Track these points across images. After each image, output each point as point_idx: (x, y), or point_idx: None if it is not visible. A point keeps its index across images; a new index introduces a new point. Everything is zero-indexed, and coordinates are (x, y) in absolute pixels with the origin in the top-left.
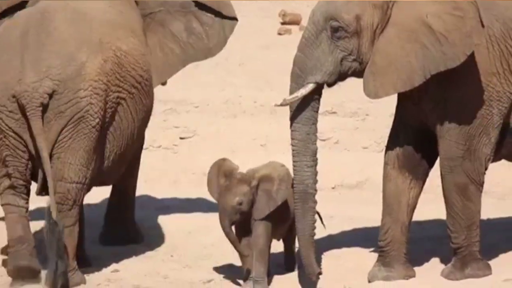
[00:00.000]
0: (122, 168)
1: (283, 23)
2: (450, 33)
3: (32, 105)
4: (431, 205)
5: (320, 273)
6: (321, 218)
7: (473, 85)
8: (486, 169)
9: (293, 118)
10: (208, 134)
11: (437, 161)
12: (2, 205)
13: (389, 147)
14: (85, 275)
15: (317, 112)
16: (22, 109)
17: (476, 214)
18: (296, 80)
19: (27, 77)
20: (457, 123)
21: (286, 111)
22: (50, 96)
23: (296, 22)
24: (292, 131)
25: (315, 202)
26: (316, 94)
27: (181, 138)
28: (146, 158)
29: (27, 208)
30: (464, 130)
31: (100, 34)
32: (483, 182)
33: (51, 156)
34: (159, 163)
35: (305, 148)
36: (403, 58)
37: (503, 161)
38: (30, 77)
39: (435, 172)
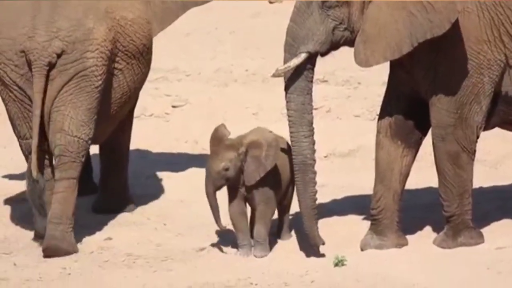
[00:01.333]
0: (111, 128)
1: None
2: (435, 0)
3: (39, 63)
4: (423, 173)
5: (323, 243)
6: None
7: (464, 53)
8: (477, 137)
9: (287, 89)
10: (200, 102)
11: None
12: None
13: (382, 115)
14: (77, 244)
15: (311, 82)
16: (29, 65)
17: (468, 183)
18: (289, 50)
19: (38, 36)
20: (448, 91)
21: (278, 80)
22: (58, 56)
23: None
24: (287, 101)
25: (315, 172)
26: (309, 64)
27: (173, 107)
28: (138, 127)
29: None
30: (456, 98)
31: (106, 4)
32: (475, 151)
33: (52, 110)
34: (151, 132)
35: (301, 118)
36: (391, 25)
37: (495, 129)
38: (41, 35)
39: (427, 141)
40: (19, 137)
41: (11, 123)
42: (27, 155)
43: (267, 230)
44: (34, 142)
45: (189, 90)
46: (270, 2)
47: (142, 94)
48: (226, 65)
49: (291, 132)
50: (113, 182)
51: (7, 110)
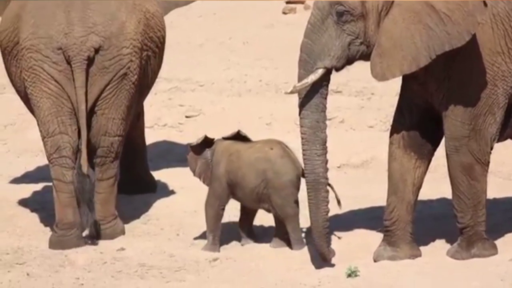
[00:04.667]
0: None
1: (287, 2)
2: (453, 12)
3: (79, 58)
4: (436, 184)
5: (334, 256)
6: (336, 196)
7: (478, 64)
8: (491, 148)
9: (302, 105)
10: (214, 113)
11: (443, 141)
12: (53, 178)
13: (394, 126)
14: (91, 253)
15: (325, 99)
16: (68, 61)
17: (482, 194)
18: (305, 67)
19: (74, 32)
20: (462, 102)
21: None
22: (96, 51)
23: (301, 1)
24: (301, 118)
25: (327, 191)
26: (324, 80)
27: (186, 117)
28: (152, 137)
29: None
30: (469, 109)
31: None
32: (488, 162)
33: (94, 111)
34: (165, 142)
35: (315, 136)
36: (408, 39)
37: (508, 140)
38: (78, 31)
39: (440, 152)
40: (46, 134)
41: (40, 121)
42: (51, 153)
43: (208, 229)
44: (84, 138)
45: (202, 100)
46: (284, 13)
47: (155, 104)
48: (240, 76)
49: (303, 150)
50: (136, 167)
51: (37, 108)
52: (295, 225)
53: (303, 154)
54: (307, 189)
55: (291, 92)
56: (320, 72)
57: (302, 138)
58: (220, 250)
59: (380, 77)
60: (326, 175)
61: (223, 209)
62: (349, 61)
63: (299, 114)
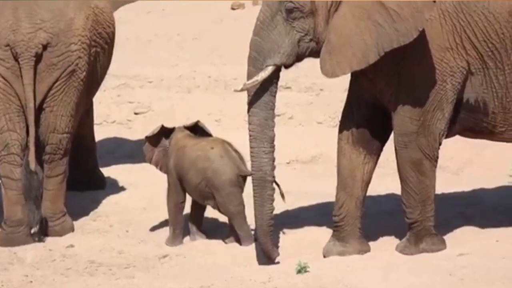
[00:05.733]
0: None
1: None
2: (402, 9)
3: (27, 54)
4: (385, 180)
5: (278, 255)
6: (281, 191)
7: (427, 60)
8: (440, 144)
9: (251, 103)
10: (163, 109)
11: (391, 136)
12: (1, 176)
13: (343, 122)
14: (40, 250)
15: (275, 96)
16: (15, 58)
17: (431, 189)
18: (254, 64)
19: (22, 28)
20: (411, 98)
21: (241, 86)
22: (44, 47)
23: None
24: (249, 116)
25: (273, 189)
26: (274, 77)
27: (135, 114)
28: (101, 134)
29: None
30: (418, 105)
31: None
32: (437, 157)
33: (43, 108)
34: (114, 139)
35: (263, 134)
36: (357, 36)
37: (457, 136)
38: (26, 28)
39: (389, 147)
40: None
41: None
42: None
43: (169, 222)
44: (32, 133)
45: (151, 96)
46: (233, 9)
47: (104, 100)
48: (189, 72)
49: (251, 147)
50: (85, 164)
51: None
52: (240, 222)
53: (251, 152)
54: (253, 186)
55: (241, 90)
56: (270, 69)
57: (250, 136)
58: (183, 242)
59: (330, 74)
60: (273, 173)
61: (182, 202)
62: (299, 58)
63: (248, 111)
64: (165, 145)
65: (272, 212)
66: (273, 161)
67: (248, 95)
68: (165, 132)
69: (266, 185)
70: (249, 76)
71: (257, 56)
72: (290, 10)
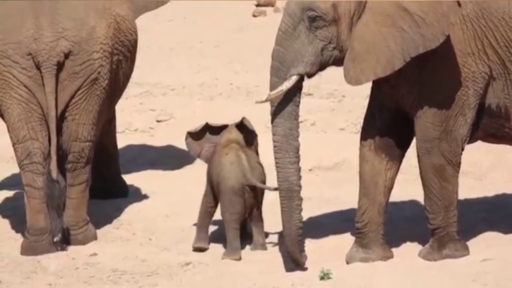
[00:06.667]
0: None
1: (257, 5)
2: (426, 14)
3: (49, 63)
4: (408, 186)
5: (306, 259)
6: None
7: (449, 66)
8: (462, 150)
9: (274, 113)
10: (185, 117)
11: (414, 142)
12: (24, 184)
13: (365, 128)
14: (63, 258)
15: (298, 106)
16: (38, 67)
17: (453, 195)
18: (277, 74)
19: (44, 37)
20: (433, 104)
21: (262, 93)
22: (66, 56)
23: (270, 4)
24: (273, 126)
25: (301, 199)
26: (297, 87)
27: (157, 121)
28: (123, 141)
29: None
30: (440, 111)
31: (102, 1)
32: (460, 163)
33: (65, 117)
34: (136, 146)
35: (288, 144)
36: (381, 42)
37: (479, 141)
38: (47, 36)
39: (412, 153)
40: (16, 141)
41: (10, 128)
42: (21, 160)
43: (197, 224)
44: (53, 143)
45: (173, 104)
46: (254, 16)
47: (126, 108)
48: (210, 79)
49: (276, 158)
50: (108, 172)
51: (7, 114)
52: (229, 230)
53: (276, 162)
54: (280, 196)
55: (266, 100)
56: (294, 79)
57: (275, 146)
58: (208, 246)
59: (354, 82)
60: (299, 182)
61: (212, 206)
62: (322, 66)
63: (272, 122)
64: (215, 142)
65: (300, 222)
66: (299, 171)
67: (272, 106)
68: (210, 129)
69: (293, 195)
70: (273, 87)
71: (280, 66)
72: (313, 18)
